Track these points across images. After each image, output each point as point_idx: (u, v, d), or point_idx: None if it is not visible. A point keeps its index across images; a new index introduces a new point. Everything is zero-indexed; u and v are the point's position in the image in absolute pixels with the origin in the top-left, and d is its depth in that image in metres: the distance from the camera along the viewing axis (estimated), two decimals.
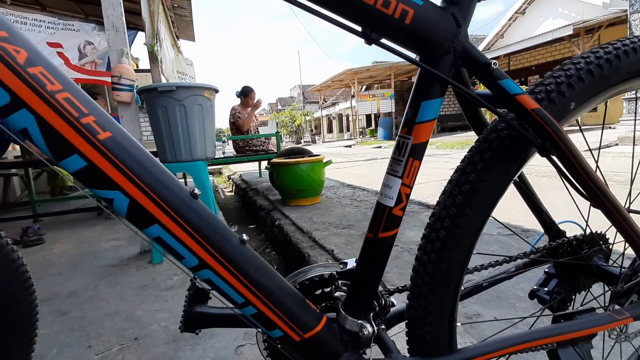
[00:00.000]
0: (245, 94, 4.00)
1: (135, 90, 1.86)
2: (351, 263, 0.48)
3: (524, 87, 0.39)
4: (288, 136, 26.01)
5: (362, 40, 0.36)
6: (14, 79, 0.27)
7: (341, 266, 0.48)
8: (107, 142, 0.30)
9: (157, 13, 3.67)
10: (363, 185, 3.57)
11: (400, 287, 0.50)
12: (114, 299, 1.44)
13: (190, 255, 0.33)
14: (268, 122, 31.25)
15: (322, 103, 22.91)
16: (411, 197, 2.61)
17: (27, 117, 0.28)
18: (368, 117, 18.54)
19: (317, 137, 24.26)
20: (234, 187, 5.43)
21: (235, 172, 6.67)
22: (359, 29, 0.34)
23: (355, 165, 5.66)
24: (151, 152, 0.35)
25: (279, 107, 38.85)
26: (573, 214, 0.57)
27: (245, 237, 0.37)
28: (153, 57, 4.10)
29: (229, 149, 4.13)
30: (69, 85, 0.29)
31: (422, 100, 0.38)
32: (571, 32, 8.44)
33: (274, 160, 3.01)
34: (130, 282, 1.61)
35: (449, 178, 0.44)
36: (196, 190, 0.34)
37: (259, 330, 0.43)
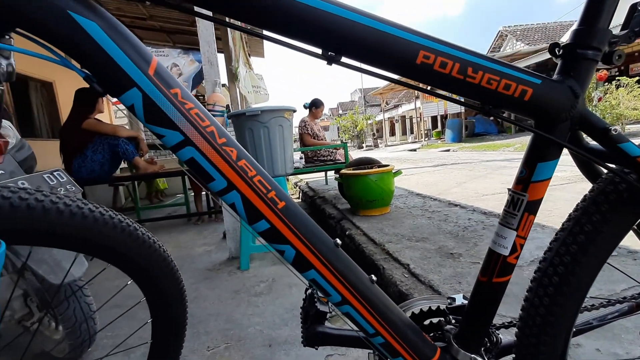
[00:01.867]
0: (316, 106, 4.19)
1: (225, 115, 2.10)
2: (459, 299, 0.52)
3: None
4: (350, 141, 26.15)
5: None
6: (230, 171, 0.39)
7: (449, 301, 0.52)
8: (283, 210, 0.41)
9: (237, 39, 4.04)
10: (433, 194, 3.47)
11: (506, 323, 0.53)
12: (214, 300, 1.65)
13: (336, 294, 0.42)
14: (329, 127, 31.74)
15: (384, 106, 22.60)
16: (490, 209, 2.45)
17: (235, 196, 0.40)
18: (434, 118, 17.78)
19: (379, 141, 23.98)
20: (300, 194, 5.67)
21: (301, 179, 6.95)
22: (477, 103, 0.39)
23: (423, 172, 5.51)
24: None
25: (340, 111, 39.25)
26: None
27: (374, 277, 0.44)
28: (234, 77, 4.51)
29: (303, 162, 4.35)
30: (259, 170, 0.40)
31: (538, 161, 0.42)
32: None
33: (344, 171, 3.10)
34: (224, 286, 1.81)
35: (561, 226, 0.46)
36: (338, 241, 0.43)
37: (376, 353, 0.50)
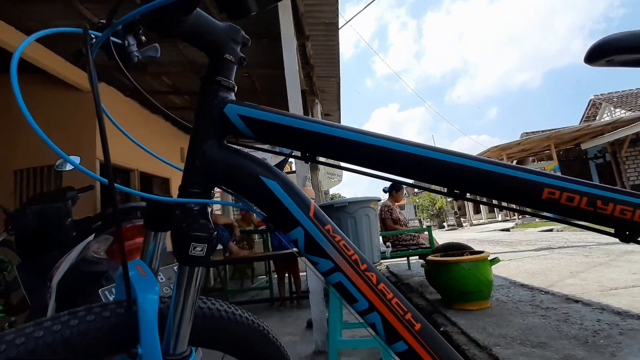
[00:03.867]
0: (396, 189, 4.23)
1: None
2: None
3: None
4: (429, 220, 24.86)
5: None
6: (371, 294, 0.45)
7: None
8: (420, 332, 0.44)
9: None
10: (543, 286, 2.98)
11: None
12: None
13: None
14: (405, 206, 30.95)
15: None
16: (625, 307, 2.02)
17: (376, 317, 0.44)
18: None
19: (462, 220, 22.27)
20: None
21: (381, 263, 6.67)
22: (611, 230, 0.39)
23: (524, 257, 4.83)
24: None
25: (416, 190, 38.42)
26: None
27: None
28: (314, 167, 4.92)
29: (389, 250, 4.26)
30: (396, 293, 0.45)
31: None
32: None
33: (431, 257, 2.93)
34: None
35: None
36: None
37: None
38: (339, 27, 3.46)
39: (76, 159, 2.07)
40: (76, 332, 0.37)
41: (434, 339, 0.44)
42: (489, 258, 2.64)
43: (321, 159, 0.48)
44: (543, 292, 2.78)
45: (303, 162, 2.15)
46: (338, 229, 0.46)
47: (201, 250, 0.41)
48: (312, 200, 0.46)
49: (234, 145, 0.48)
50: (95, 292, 1.18)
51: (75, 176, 3.27)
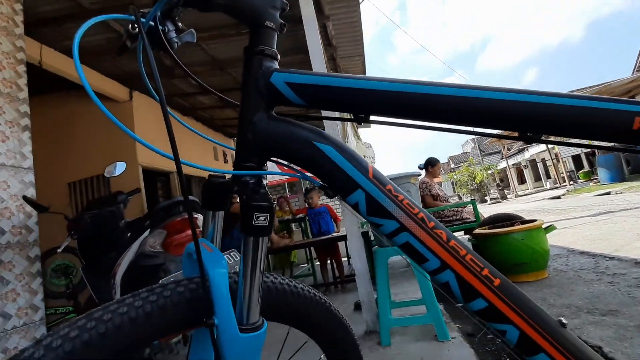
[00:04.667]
0: (432, 164, 4.07)
1: None
2: None
3: None
4: (469, 195, 23.95)
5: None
6: (442, 251, 0.42)
7: None
8: (499, 287, 0.41)
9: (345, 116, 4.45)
10: (606, 251, 2.76)
11: None
12: None
13: None
14: (442, 183, 30.03)
15: (506, 152, 20.38)
16: None
17: (449, 275, 0.42)
18: (575, 157, 15.02)
19: (506, 192, 21.16)
20: None
21: None
22: None
23: (581, 224, 4.50)
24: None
25: (452, 165, 37.05)
26: None
27: None
28: None
29: None
30: (469, 250, 0.42)
31: None
32: None
33: (478, 231, 2.81)
34: None
35: None
36: (563, 320, 0.38)
37: None
38: (360, 1, 3.33)
39: (122, 165, 2.19)
40: (156, 307, 0.38)
41: (514, 294, 0.41)
42: (543, 226, 2.49)
43: (372, 118, 0.45)
44: (607, 258, 2.58)
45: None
46: (399, 188, 0.43)
47: (264, 220, 0.41)
48: (369, 163, 0.44)
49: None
50: (155, 283, 1.25)
51: (121, 182, 3.48)
